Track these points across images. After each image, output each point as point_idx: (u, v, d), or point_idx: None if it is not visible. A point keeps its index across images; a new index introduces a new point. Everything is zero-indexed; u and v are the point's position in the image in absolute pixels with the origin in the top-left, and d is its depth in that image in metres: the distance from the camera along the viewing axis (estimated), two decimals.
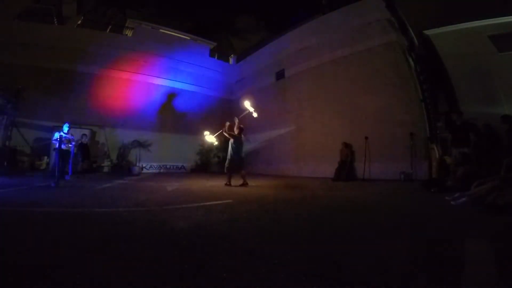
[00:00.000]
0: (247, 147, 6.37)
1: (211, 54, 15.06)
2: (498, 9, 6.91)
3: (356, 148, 8.64)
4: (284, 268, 1.41)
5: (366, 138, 8.28)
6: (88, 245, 1.76)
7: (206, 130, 6.91)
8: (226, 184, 5.93)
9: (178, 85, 13.63)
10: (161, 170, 12.55)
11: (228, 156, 6.08)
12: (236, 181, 6.01)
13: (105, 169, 11.10)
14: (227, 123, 6.34)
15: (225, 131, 6.23)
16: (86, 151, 9.49)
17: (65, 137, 6.64)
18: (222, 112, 14.20)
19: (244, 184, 5.85)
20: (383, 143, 8.10)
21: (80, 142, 9.11)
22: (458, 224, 2.58)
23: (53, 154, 7.15)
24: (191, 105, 13.63)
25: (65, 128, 7.09)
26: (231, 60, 16.14)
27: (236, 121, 6.29)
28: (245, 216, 2.88)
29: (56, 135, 6.94)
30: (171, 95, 13.33)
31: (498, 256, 1.56)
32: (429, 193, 4.66)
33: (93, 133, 11.23)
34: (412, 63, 7.96)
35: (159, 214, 2.87)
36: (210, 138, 6.93)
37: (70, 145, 7.26)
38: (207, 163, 13.42)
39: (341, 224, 2.59)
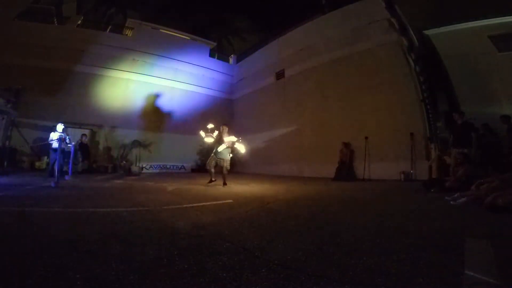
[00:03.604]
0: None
1: (211, 54, 15.05)
2: (498, 9, 6.92)
3: (356, 148, 8.65)
4: (284, 268, 1.41)
5: (366, 138, 8.28)
6: (88, 245, 1.76)
7: (202, 129, 6.58)
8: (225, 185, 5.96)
9: (178, 85, 13.62)
10: (161, 170, 12.55)
11: (227, 158, 6.14)
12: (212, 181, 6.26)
13: (105, 169, 11.09)
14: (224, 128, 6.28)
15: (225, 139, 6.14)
16: (86, 151, 9.49)
17: (60, 136, 6.67)
18: (222, 112, 14.22)
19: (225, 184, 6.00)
20: (383, 143, 8.10)
21: (80, 142, 9.10)
22: (458, 224, 2.58)
23: (51, 153, 7.15)
24: (191, 105, 13.63)
25: (59, 127, 7.15)
26: (231, 60, 16.13)
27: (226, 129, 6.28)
28: (245, 216, 2.88)
29: (52, 135, 6.98)
30: (171, 95, 13.32)
31: (498, 256, 1.56)
32: (429, 193, 4.66)
33: (93, 133, 11.23)
34: (412, 63, 7.96)
35: (159, 214, 2.87)
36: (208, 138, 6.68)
37: (70, 145, 7.27)
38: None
39: (341, 224, 2.58)
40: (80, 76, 11.15)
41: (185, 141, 13.00)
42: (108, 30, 12.98)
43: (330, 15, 10.39)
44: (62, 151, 6.22)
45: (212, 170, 6.13)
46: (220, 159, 6.04)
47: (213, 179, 6.16)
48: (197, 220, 2.60)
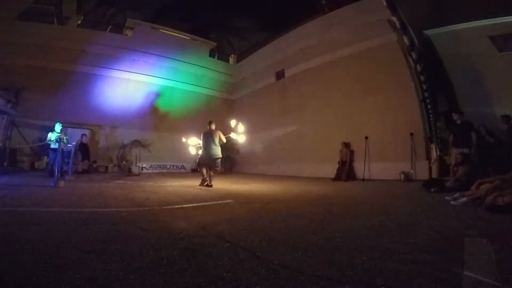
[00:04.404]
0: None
1: (211, 54, 15.05)
2: (498, 9, 6.92)
3: (356, 148, 8.65)
4: (284, 268, 1.41)
5: (366, 138, 8.28)
6: (88, 245, 1.76)
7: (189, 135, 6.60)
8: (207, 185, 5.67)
9: (178, 85, 13.62)
10: (161, 170, 12.55)
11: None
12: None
13: (105, 169, 11.10)
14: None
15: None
16: (86, 151, 9.50)
17: (57, 136, 6.69)
18: (222, 112, 14.22)
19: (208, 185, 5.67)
20: (383, 143, 8.10)
21: (80, 142, 9.11)
22: (458, 224, 2.57)
23: (50, 153, 7.17)
24: (191, 105, 13.63)
25: (57, 127, 7.18)
26: (231, 60, 16.13)
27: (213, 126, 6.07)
28: (245, 216, 2.88)
29: (50, 135, 7.01)
30: (171, 95, 13.32)
31: (498, 256, 1.56)
32: (429, 193, 4.66)
33: (93, 133, 11.23)
34: (412, 63, 7.96)
35: (159, 214, 2.87)
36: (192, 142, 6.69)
37: (69, 145, 7.28)
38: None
39: (342, 224, 2.58)
40: (80, 76, 11.15)
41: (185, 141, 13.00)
42: (108, 30, 12.98)
43: (330, 15, 10.38)
44: (62, 151, 6.22)
45: (207, 171, 5.82)
46: None
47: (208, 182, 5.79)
48: (197, 220, 2.60)
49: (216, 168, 5.96)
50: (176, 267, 1.40)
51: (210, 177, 5.77)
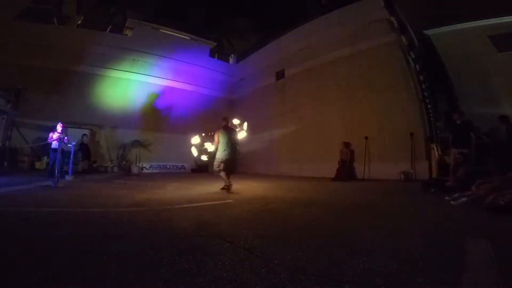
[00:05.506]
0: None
1: (211, 54, 15.07)
2: (498, 9, 6.91)
3: (356, 148, 8.64)
4: (284, 268, 1.41)
5: (366, 138, 8.28)
6: (88, 245, 1.76)
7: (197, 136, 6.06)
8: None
9: (178, 85, 13.62)
10: (161, 170, 12.54)
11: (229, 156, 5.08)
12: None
13: (105, 169, 11.10)
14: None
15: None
16: (86, 151, 9.49)
17: (58, 136, 6.69)
18: (222, 112, 14.21)
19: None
20: (383, 143, 8.10)
21: (80, 142, 9.11)
22: (458, 224, 2.58)
23: (51, 153, 7.16)
24: (191, 105, 13.63)
25: (59, 127, 7.19)
26: (231, 60, 16.14)
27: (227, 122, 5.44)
28: (245, 216, 2.88)
29: (51, 135, 7.02)
30: (171, 95, 13.32)
31: (498, 256, 1.56)
32: (429, 193, 4.66)
33: (93, 133, 11.23)
34: (412, 63, 7.95)
35: (159, 214, 2.87)
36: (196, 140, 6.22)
37: (69, 145, 7.28)
38: (207, 163, 13.41)
39: (342, 224, 2.59)
40: (80, 76, 11.16)
41: (185, 141, 12.97)
42: (108, 30, 12.99)
43: (330, 15, 10.38)
44: (62, 151, 6.22)
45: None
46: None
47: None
48: (197, 220, 2.60)
49: (235, 171, 5.23)
50: (176, 267, 1.40)
51: (229, 180, 5.02)
